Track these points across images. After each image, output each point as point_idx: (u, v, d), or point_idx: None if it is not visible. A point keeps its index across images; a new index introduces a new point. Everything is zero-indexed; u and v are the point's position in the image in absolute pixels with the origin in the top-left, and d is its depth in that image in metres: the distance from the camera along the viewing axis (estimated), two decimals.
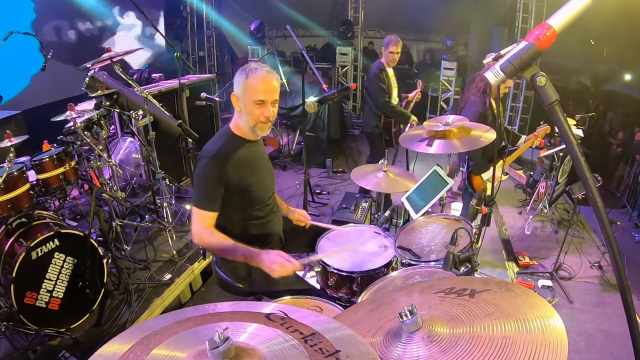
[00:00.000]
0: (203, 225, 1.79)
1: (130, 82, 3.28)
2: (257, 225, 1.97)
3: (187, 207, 3.82)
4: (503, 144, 3.31)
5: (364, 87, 4.26)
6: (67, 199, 3.10)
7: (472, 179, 3.22)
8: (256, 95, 1.77)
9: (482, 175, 3.15)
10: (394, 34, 4.03)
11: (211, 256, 2.29)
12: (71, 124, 2.90)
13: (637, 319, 0.95)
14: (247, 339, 0.83)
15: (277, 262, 1.62)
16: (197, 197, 1.81)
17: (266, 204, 2.00)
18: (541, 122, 3.69)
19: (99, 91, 3.14)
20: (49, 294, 2.41)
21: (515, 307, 0.96)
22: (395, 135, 4.17)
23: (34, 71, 4.86)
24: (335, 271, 1.93)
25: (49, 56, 2.98)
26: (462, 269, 1.40)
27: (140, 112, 3.23)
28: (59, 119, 2.98)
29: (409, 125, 4.01)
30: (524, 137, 3.48)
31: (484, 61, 1.96)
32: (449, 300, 1.05)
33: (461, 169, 3.31)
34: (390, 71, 4.09)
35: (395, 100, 4.14)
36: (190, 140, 3.47)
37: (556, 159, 3.99)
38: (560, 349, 0.80)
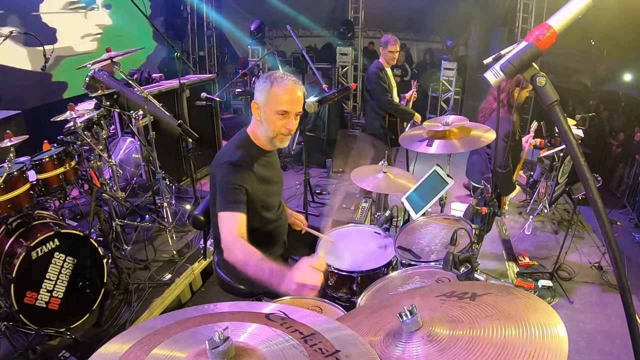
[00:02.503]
0: (234, 230, 1.63)
1: (130, 82, 3.28)
2: (263, 229, 1.97)
3: (187, 207, 3.83)
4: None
5: (365, 88, 4.23)
6: (67, 199, 3.09)
7: (500, 200, 3.10)
8: (280, 106, 1.71)
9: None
10: (391, 34, 4.03)
11: (212, 256, 2.28)
12: (71, 124, 2.90)
13: (637, 319, 0.95)
14: (247, 338, 0.83)
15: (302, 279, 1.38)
16: (222, 202, 1.70)
17: (274, 211, 2.00)
18: (541, 123, 3.69)
19: (99, 91, 3.14)
20: (49, 294, 2.41)
21: (515, 309, 0.96)
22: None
23: (148, 52, 6.82)
24: (335, 271, 1.93)
25: (49, 56, 2.99)
26: (462, 269, 1.40)
27: (141, 112, 3.23)
28: (59, 119, 2.98)
29: (410, 124, 4.01)
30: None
31: (485, 61, 1.95)
32: (449, 303, 1.05)
33: (482, 187, 3.15)
34: (389, 70, 4.09)
35: (395, 99, 4.14)
36: (190, 140, 3.47)
37: (556, 159, 3.99)
38: (560, 350, 0.80)
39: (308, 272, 1.41)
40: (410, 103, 4.40)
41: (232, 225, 1.65)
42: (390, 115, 4.08)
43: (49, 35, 5.43)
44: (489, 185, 2.83)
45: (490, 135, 2.34)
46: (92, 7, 6.14)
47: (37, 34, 4.65)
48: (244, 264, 1.56)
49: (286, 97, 1.72)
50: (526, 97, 3.07)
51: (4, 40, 2.82)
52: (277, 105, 1.72)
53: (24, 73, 2.98)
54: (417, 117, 4.13)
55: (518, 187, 3.20)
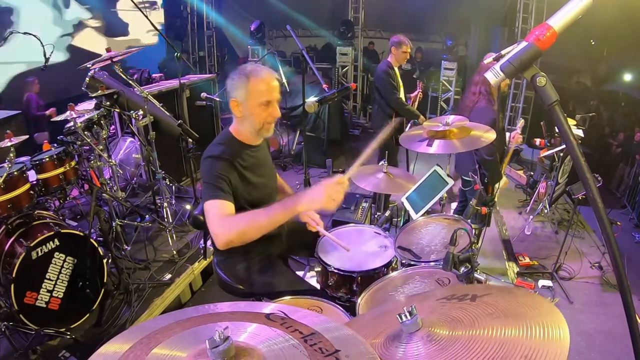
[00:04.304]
0: (222, 215, 1.61)
1: (130, 82, 3.28)
2: None
3: (187, 207, 3.83)
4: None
5: (374, 87, 4.23)
6: (67, 199, 3.10)
7: (488, 189, 3.12)
8: (263, 97, 1.73)
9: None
10: (400, 34, 4.02)
11: (212, 256, 2.28)
12: (71, 124, 2.90)
13: (637, 319, 0.95)
14: (247, 338, 0.83)
15: (323, 193, 1.45)
16: (207, 192, 1.68)
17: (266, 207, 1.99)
18: (541, 123, 3.69)
19: (99, 91, 3.14)
20: (49, 294, 2.41)
21: (516, 307, 0.96)
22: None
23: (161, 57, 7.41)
24: (335, 271, 1.93)
25: (49, 56, 2.99)
26: (462, 269, 1.40)
27: (141, 112, 3.23)
28: (59, 119, 2.98)
29: (410, 123, 4.01)
30: (507, 134, 3.44)
31: (485, 61, 1.95)
32: (450, 305, 1.05)
33: (470, 179, 3.16)
34: (397, 70, 4.09)
35: (402, 99, 4.14)
36: (190, 140, 3.47)
37: (556, 159, 3.99)
38: (561, 350, 0.80)
39: (332, 186, 1.47)
40: (416, 103, 4.40)
41: (217, 211, 1.62)
42: (397, 114, 4.06)
43: (123, 28, 6.84)
44: (476, 176, 2.87)
45: (491, 135, 2.34)
46: (155, 7, 7.69)
47: (114, 26, 6.42)
48: (243, 231, 1.54)
49: (266, 87, 1.74)
50: (507, 86, 3.05)
51: (8, 36, 2.87)
52: (260, 97, 1.73)
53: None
54: (422, 118, 4.11)
55: (505, 177, 3.22)
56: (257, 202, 1.89)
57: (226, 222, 1.58)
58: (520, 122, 3.56)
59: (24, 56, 4.98)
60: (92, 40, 6.08)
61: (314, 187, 1.51)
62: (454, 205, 4.13)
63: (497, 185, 3.10)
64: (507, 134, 3.42)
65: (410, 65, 7.95)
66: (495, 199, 3.23)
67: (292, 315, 0.92)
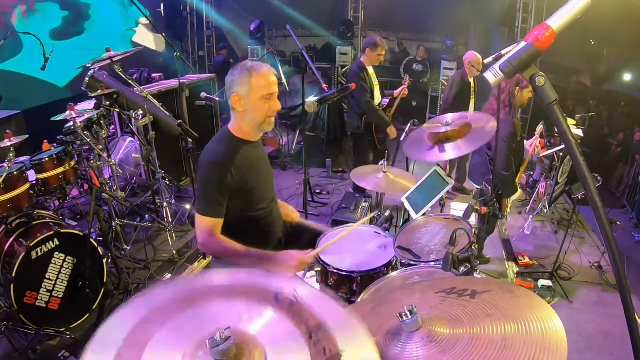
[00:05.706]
0: (210, 234, 1.77)
1: (130, 82, 3.28)
2: (256, 226, 1.97)
3: (187, 207, 3.83)
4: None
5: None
6: (67, 198, 3.10)
7: (502, 202, 3.06)
8: (265, 90, 1.79)
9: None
10: (374, 35, 4.00)
11: (211, 256, 2.28)
12: (71, 123, 2.90)
13: (637, 319, 0.95)
14: (249, 328, 0.83)
15: (294, 260, 1.71)
16: (200, 204, 1.80)
17: (267, 205, 2.00)
18: (541, 123, 3.67)
19: (99, 91, 3.14)
20: (48, 294, 2.41)
21: (515, 308, 0.96)
22: (379, 140, 4.09)
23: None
24: (335, 271, 1.93)
25: (49, 56, 2.99)
26: (462, 269, 1.40)
27: (140, 112, 3.23)
28: (59, 118, 2.98)
29: (410, 123, 3.98)
30: (525, 142, 3.37)
31: (485, 61, 1.94)
32: (449, 301, 1.05)
33: (484, 189, 3.06)
34: (371, 69, 3.96)
35: (377, 98, 4.02)
36: (190, 140, 3.47)
37: (556, 159, 3.99)
38: (560, 351, 0.80)
39: (303, 259, 1.73)
40: (399, 99, 4.28)
41: (206, 229, 1.77)
42: (367, 115, 3.94)
43: (163, 26, 7.44)
44: (489, 187, 2.81)
45: (494, 124, 2.28)
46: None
47: (156, 24, 6.41)
48: (220, 257, 1.87)
49: (267, 81, 1.80)
50: (529, 98, 2.93)
51: (7, 36, 2.89)
52: (263, 91, 1.79)
53: (151, 52, 3.91)
54: (392, 131, 3.95)
55: (520, 190, 3.15)
56: (255, 199, 1.91)
57: (212, 242, 1.77)
58: (539, 128, 3.35)
59: (95, 45, 5.55)
60: (143, 36, 7.01)
61: (288, 255, 1.74)
62: (454, 204, 4.14)
63: (511, 199, 3.02)
64: (525, 141, 3.32)
65: (422, 67, 7.94)
66: (508, 211, 3.17)
67: (302, 300, 0.90)
